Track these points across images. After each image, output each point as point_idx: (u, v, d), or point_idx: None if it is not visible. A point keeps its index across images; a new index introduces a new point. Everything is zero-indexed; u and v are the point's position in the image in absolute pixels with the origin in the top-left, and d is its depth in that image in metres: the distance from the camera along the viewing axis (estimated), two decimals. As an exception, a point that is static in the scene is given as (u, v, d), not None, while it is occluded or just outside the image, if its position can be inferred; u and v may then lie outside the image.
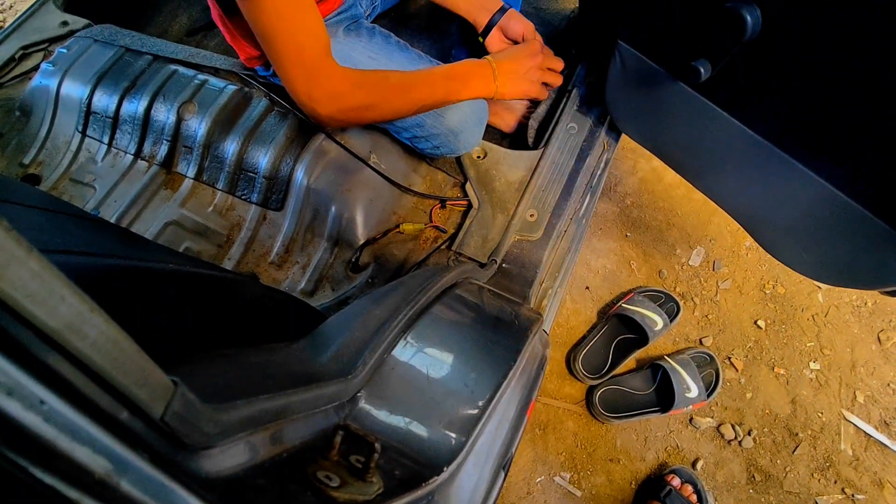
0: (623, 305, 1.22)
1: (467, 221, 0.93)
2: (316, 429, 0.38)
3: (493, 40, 0.96)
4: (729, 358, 1.23)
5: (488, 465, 0.48)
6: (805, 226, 0.75)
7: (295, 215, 0.95)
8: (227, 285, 0.65)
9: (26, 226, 0.55)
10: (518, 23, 0.94)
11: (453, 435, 0.45)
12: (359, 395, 0.45)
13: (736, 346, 1.24)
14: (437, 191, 0.99)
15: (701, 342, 1.25)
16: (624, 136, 1.01)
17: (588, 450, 1.17)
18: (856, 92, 0.57)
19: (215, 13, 0.88)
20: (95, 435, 0.19)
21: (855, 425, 1.16)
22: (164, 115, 0.98)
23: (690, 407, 1.14)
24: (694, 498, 1.08)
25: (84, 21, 1.15)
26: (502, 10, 0.94)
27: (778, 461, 1.14)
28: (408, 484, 0.37)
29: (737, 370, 1.22)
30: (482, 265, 0.87)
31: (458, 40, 1.09)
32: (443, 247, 0.92)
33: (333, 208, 0.92)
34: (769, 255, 0.86)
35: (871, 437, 1.15)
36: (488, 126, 1.02)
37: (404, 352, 0.51)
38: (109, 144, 1.03)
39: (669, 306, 1.24)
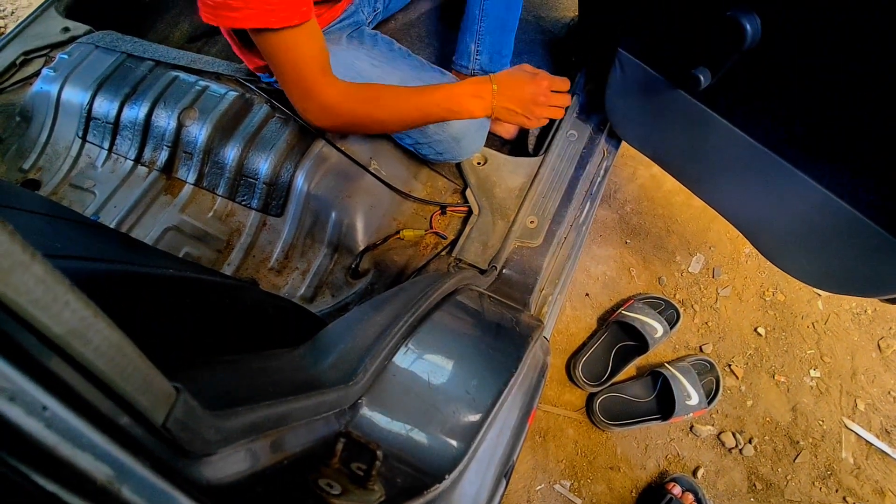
0: (623, 312, 1.22)
1: (467, 228, 0.93)
2: (317, 436, 0.38)
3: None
4: (729, 365, 1.23)
5: (490, 473, 0.47)
6: (805, 233, 0.75)
7: (295, 221, 0.95)
8: (227, 291, 0.65)
9: (26, 231, 0.55)
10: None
11: (455, 442, 0.44)
12: (360, 401, 0.44)
13: (736, 353, 1.24)
14: (438, 197, 0.99)
15: (701, 349, 1.25)
16: (623, 144, 1.01)
17: (588, 458, 1.17)
18: (855, 100, 0.57)
19: (224, 29, 0.89)
20: (97, 441, 0.19)
21: (856, 433, 1.16)
22: (165, 120, 0.98)
23: (691, 414, 1.14)
24: (695, 506, 1.07)
25: (85, 27, 1.15)
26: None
27: (779, 469, 1.14)
28: (409, 492, 0.37)
29: (737, 378, 1.22)
30: (482, 272, 0.87)
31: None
32: (443, 253, 0.92)
33: (334, 214, 0.92)
34: (769, 263, 0.86)
35: (873, 445, 1.14)
36: (489, 133, 1.02)
37: (405, 358, 0.50)
38: (110, 150, 1.03)
39: (669, 313, 1.24)
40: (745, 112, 0.71)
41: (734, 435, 1.16)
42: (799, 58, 0.59)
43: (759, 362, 1.23)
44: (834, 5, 0.53)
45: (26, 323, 0.16)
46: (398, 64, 0.94)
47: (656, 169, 1.17)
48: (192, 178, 0.99)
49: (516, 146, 1.12)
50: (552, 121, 1.01)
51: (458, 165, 0.99)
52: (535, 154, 0.99)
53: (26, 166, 1.03)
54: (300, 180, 0.93)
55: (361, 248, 0.93)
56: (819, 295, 1.29)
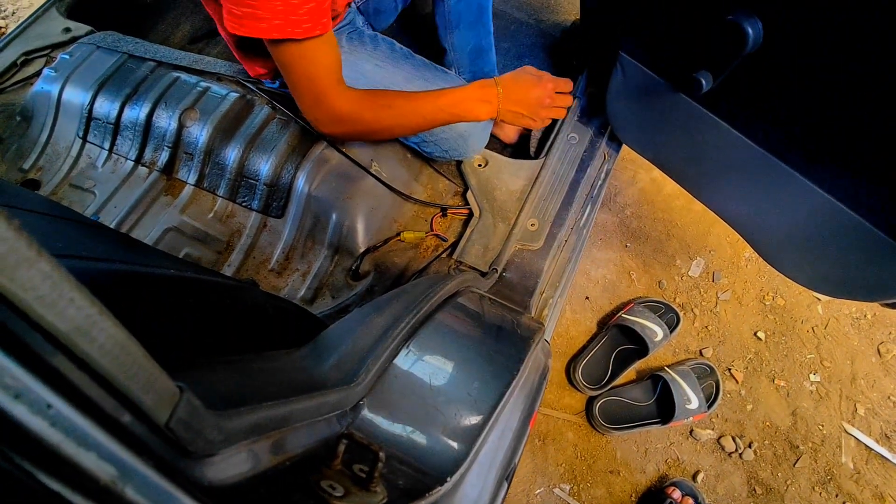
0: (623, 316, 1.22)
1: (468, 230, 0.93)
2: (319, 437, 0.37)
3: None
4: (729, 369, 1.23)
5: (491, 475, 0.47)
6: (805, 237, 0.75)
7: (295, 223, 0.95)
8: (227, 291, 0.64)
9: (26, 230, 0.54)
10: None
11: (457, 444, 0.44)
12: (361, 403, 0.44)
13: (736, 357, 1.24)
14: (438, 199, 0.99)
15: (701, 353, 1.24)
16: (624, 147, 1.01)
17: (588, 461, 1.16)
18: (857, 104, 0.57)
19: (224, 34, 0.89)
20: (101, 441, 0.18)
21: (856, 438, 1.15)
22: (166, 121, 0.98)
23: (691, 418, 1.14)
24: (695, 511, 1.07)
25: (87, 28, 1.15)
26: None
27: (779, 474, 1.13)
28: (411, 494, 0.37)
29: (737, 382, 1.22)
30: (483, 274, 0.87)
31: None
32: (443, 255, 0.92)
33: (334, 216, 0.92)
34: (769, 267, 0.86)
35: (872, 450, 1.14)
36: (490, 136, 1.03)
37: (407, 360, 0.50)
38: (110, 150, 1.02)
39: (669, 317, 1.24)
40: (746, 115, 0.71)
41: (734, 439, 1.16)
42: (800, 61, 0.59)
43: (759, 366, 1.23)
44: (835, 9, 0.53)
45: (31, 320, 0.16)
46: (401, 64, 0.94)
47: (657, 172, 1.17)
48: (192, 178, 0.99)
49: (517, 149, 1.12)
50: (554, 122, 1.01)
51: (459, 167, 0.99)
52: (536, 157, 0.99)
53: (26, 166, 1.03)
54: (301, 181, 0.93)
55: (362, 249, 0.93)
56: (819, 299, 1.29)
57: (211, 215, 0.98)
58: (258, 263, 0.95)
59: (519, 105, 0.89)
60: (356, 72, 0.89)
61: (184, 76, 1.02)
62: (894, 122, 0.55)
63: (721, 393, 1.17)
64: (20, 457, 0.16)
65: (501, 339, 0.63)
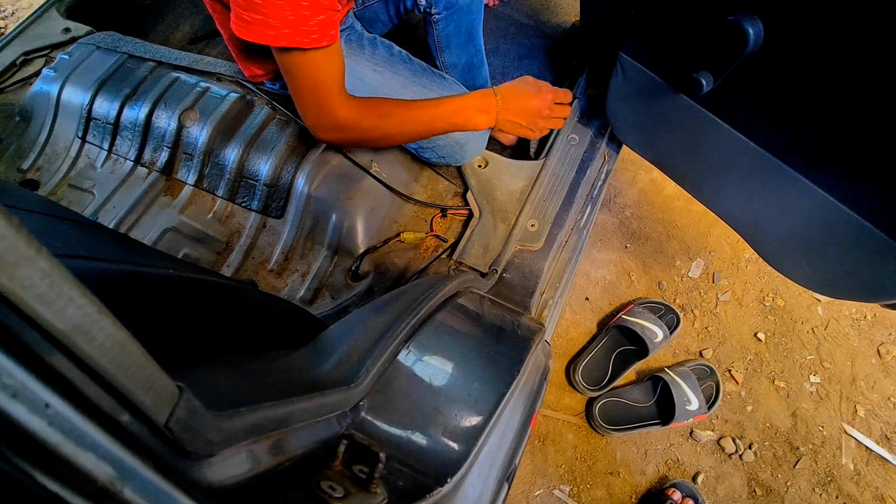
0: (623, 317, 1.22)
1: (468, 231, 0.92)
2: (318, 438, 0.37)
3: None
4: (729, 370, 1.23)
5: (492, 476, 0.47)
6: (805, 237, 0.75)
7: (295, 223, 0.95)
8: (227, 292, 0.64)
9: (25, 230, 0.54)
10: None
11: (457, 445, 0.44)
12: (361, 403, 0.44)
13: (736, 358, 1.24)
14: (438, 199, 0.99)
15: (701, 354, 1.24)
16: (624, 148, 1.01)
17: (588, 463, 1.16)
18: (857, 104, 0.57)
19: (225, 35, 0.89)
20: (100, 441, 0.18)
21: (856, 439, 1.15)
22: (166, 121, 0.98)
23: (691, 420, 1.14)
24: (695, 512, 1.06)
25: (86, 28, 1.15)
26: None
27: (779, 475, 1.13)
28: (412, 495, 0.37)
29: (737, 383, 1.21)
30: (483, 275, 0.86)
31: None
32: (443, 256, 0.92)
33: (334, 216, 0.92)
34: (769, 267, 0.86)
35: (873, 451, 1.14)
36: (490, 139, 1.03)
37: (407, 361, 0.50)
38: (109, 151, 1.02)
39: (669, 318, 1.23)
40: (746, 116, 0.71)
41: (734, 440, 1.16)
42: (801, 61, 0.59)
43: (758, 367, 1.23)
44: (836, 10, 0.53)
45: (30, 318, 0.16)
46: (399, 69, 0.94)
47: (656, 173, 1.17)
48: (192, 179, 0.99)
49: (517, 150, 1.12)
50: (553, 127, 1.01)
51: (459, 168, 0.99)
52: (537, 158, 0.99)
53: (25, 166, 1.02)
54: (301, 182, 0.92)
55: (361, 250, 0.93)
56: (819, 300, 1.29)
57: (210, 216, 0.98)
58: (257, 264, 0.95)
59: (517, 115, 0.90)
60: (353, 76, 0.88)
61: (183, 76, 1.02)
62: (894, 122, 0.55)
63: (721, 394, 1.17)
64: (18, 457, 0.16)
65: (502, 340, 0.63)
